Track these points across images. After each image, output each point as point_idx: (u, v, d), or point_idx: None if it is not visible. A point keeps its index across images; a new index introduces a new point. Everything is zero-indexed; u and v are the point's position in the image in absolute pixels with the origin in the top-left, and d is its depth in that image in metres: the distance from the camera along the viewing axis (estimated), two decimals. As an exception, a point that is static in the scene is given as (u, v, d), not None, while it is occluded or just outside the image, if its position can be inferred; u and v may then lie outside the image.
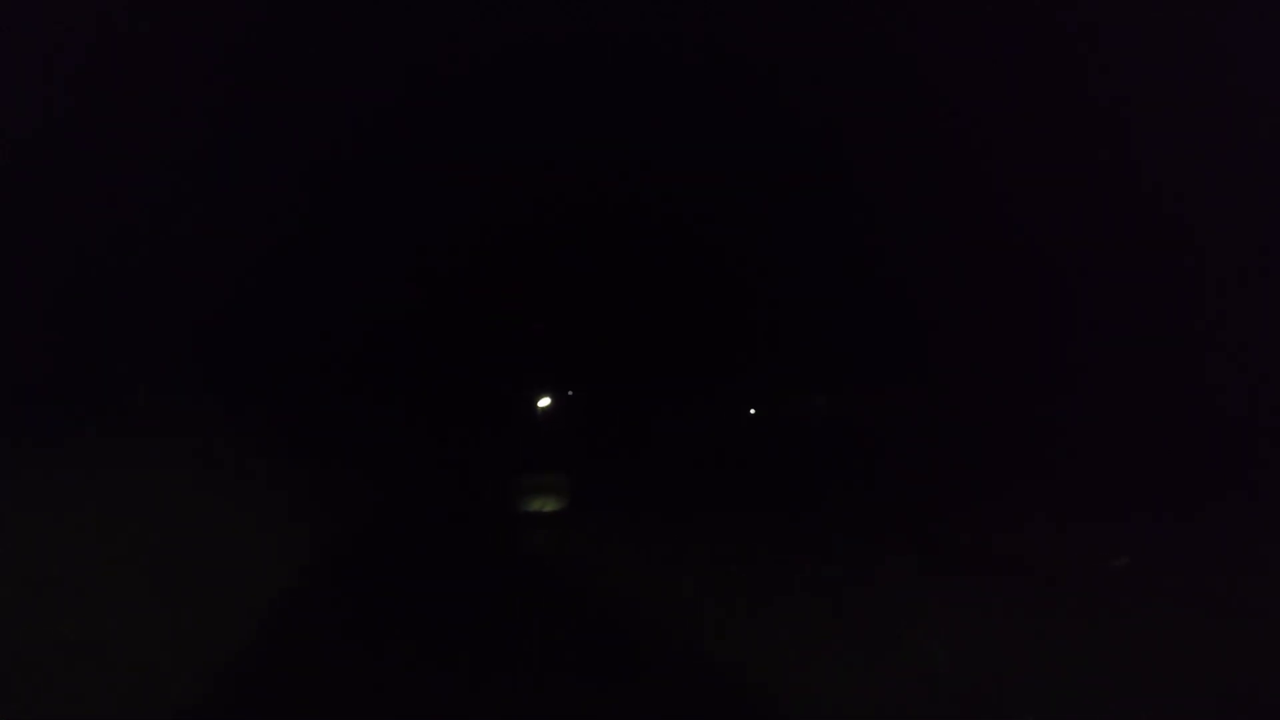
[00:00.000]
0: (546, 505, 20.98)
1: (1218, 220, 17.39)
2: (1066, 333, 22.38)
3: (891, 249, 27.30)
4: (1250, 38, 14.33)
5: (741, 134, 28.59)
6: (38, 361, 11.08)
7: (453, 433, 33.21)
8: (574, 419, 40.28)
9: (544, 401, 42.30)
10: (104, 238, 13.41)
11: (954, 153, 23.72)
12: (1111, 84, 18.40)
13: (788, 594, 10.31)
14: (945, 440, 22.63)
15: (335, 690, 7.33)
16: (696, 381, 36.50)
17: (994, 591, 9.87)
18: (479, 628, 9.57)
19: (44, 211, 12.09)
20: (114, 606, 7.96)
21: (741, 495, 19.93)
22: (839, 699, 6.92)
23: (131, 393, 12.78)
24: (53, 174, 12.03)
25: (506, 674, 7.82)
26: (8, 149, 11.09)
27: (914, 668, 7.30)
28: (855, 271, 28.81)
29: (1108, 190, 20.10)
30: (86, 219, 13.05)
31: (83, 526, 8.83)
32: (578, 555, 15.04)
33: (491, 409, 37.63)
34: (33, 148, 11.43)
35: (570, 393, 42.32)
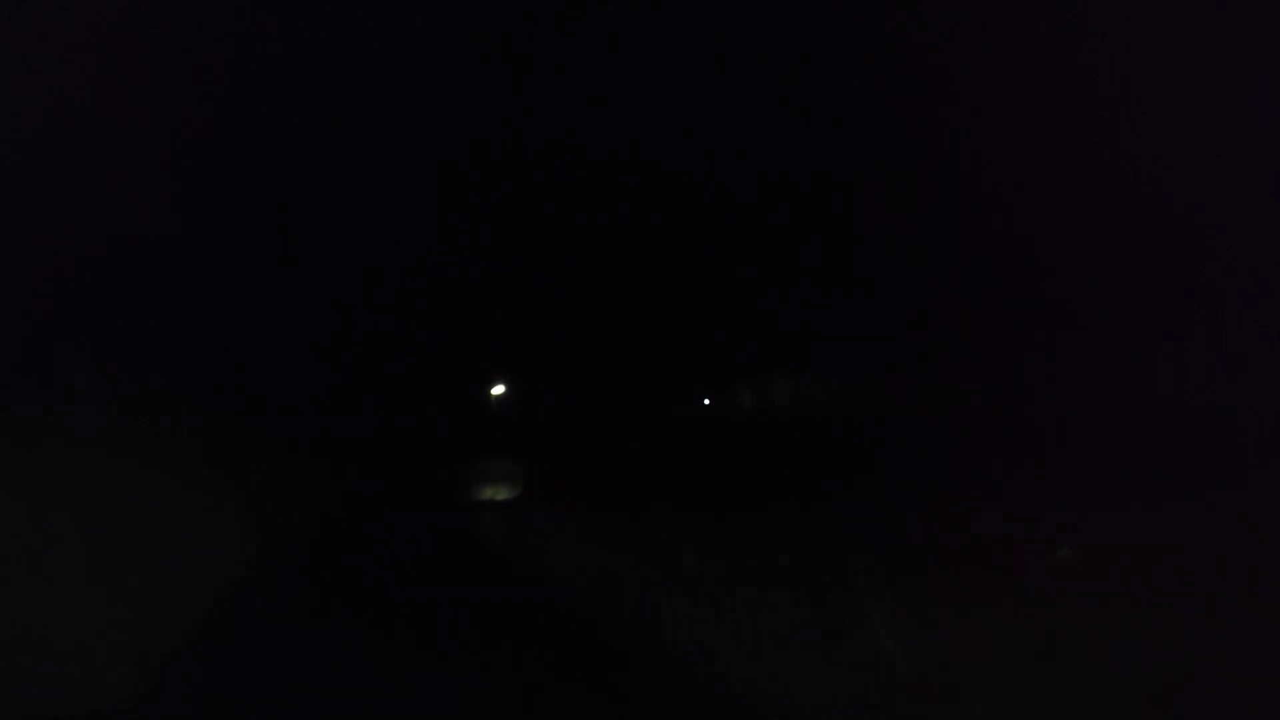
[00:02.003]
0: (499, 493, 20.87)
1: (1188, 222, 17.76)
2: (1022, 328, 22.76)
3: (857, 238, 27.46)
4: (1250, 37, 14.53)
5: (704, 118, 28.54)
6: None
7: (406, 420, 32.84)
8: (528, 406, 40.07)
9: (498, 389, 42.02)
10: (71, 229, 13.07)
11: (934, 134, 23.81)
12: (1107, 73, 18.56)
13: (743, 584, 10.39)
14: (901, 432, 22.94)
15: (288, 677, 7.23)
16: (655, 369, 36.53)
17: (947, 582, 10.05)
18: (432, 616, 9.49)
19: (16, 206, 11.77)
20: (62, 596, 7.76)
21: (699, 485, 20.01)
22: (794, 688, 6.98)
23: (84, 379, 12.49)
24: (32, 171, 11.72)
25: (460, 663, 7.76)
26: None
27: (868, 658, 7.40)
28: (817, 261, 28.98)
29: (1084, 185, 20.35)
30: (56, 211, 12.72)
31: (36, 514, 8.59)
32: (533, 545, 14.98)
33: (445, 396, 37.28)
34: (20, 144, 11.10)
35: (524, 380, 42.07)
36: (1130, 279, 19.85)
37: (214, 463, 15.26)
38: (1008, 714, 6.29)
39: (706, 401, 40.07)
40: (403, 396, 34.43)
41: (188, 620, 8.68)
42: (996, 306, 23.63)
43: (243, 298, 22.55)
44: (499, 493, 20.87)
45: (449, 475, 22.47)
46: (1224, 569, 9.63)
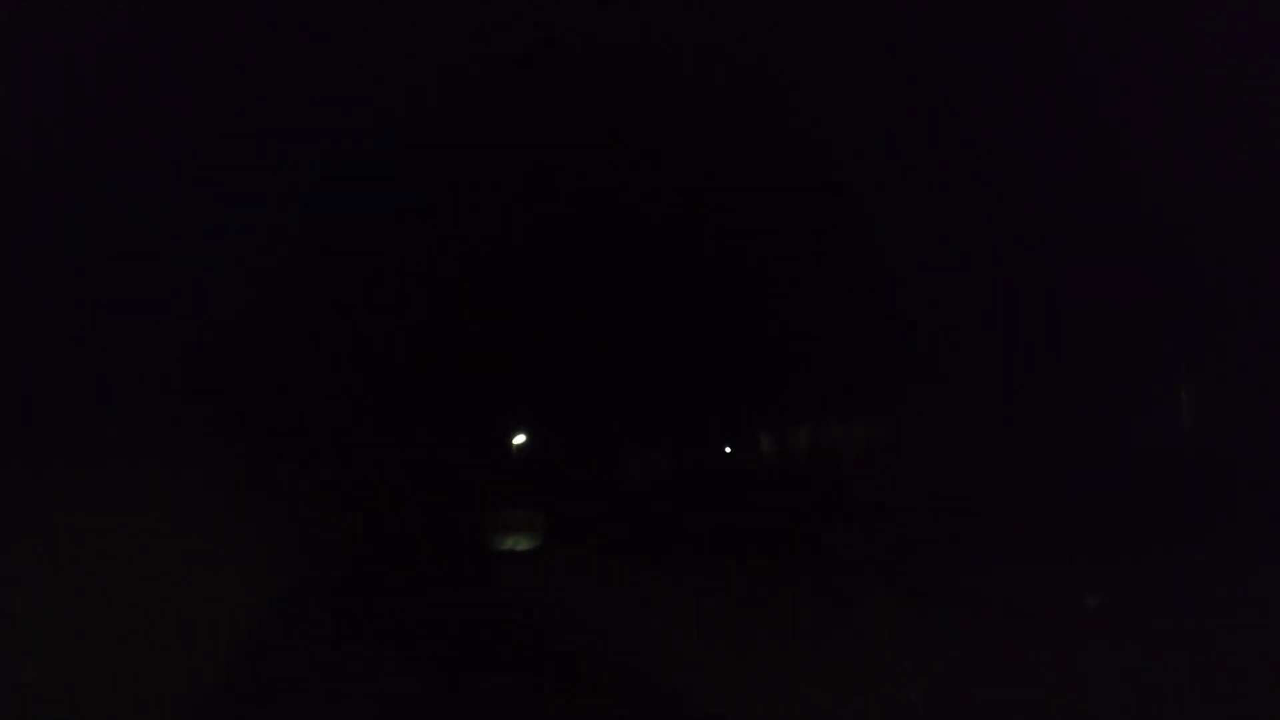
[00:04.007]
0: (521, 543, 20.77)
1: (1208, 268, 17.70)
2: (1044, 376, 22.63)
3: (872, 292, 27.54)
4: (1250, 46, 14.51)
5: (733, 165, 28.83)
6: (5, 390, 10.92)
7: (428, 470, 32.92)
8: (550, 456, 40.04)
9: (519, 439, 42.04)
10: (83, 264, 13.32)
11: (936, 181, 23.97)
12: (1117, 113, 18.64)
13: (764, 630, 10.26)
14: (923, 478, 22.72)
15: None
16: (677, 418, 36.48)
17: (970, 629, 9.88)
18: (454, 666, 9.44)
19: (24, 228, 12.02)
20: (79, 645, 7.79)
21: (718, 533, 19.85)
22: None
23: (104, 423, 12.63)
24: (41, 188, 11.99)
25: (483, 709, 7.72)
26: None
27: (892, 707, 7.28)
28: (837, 314, 29.02)
29: (1096, 227, 20.38)
30: (67, 239, 12.97)
31: (49, 561, 8.66)
32: (553, 594, 14.90)
33: (467, 446, 37.35)
34: (23, 160, 11.38)
35: (546, 430, 42.09)
36: (1161, 331, 19.77)
37: (234, 510, 15.34)
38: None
39: (728, 450, 39.91)
40: (425, 445, 34.55)
41: (208, 670, 8.69)
42: (1023, 355, 23.54)
43: (267, 346, 22.83)
44: (520, 542, 20.78)
45: (471, 525, 22.41)
46: (1250, 615, 9.42)
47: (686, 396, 35.92)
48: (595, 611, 12.60)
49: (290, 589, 13.79)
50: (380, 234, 29.16)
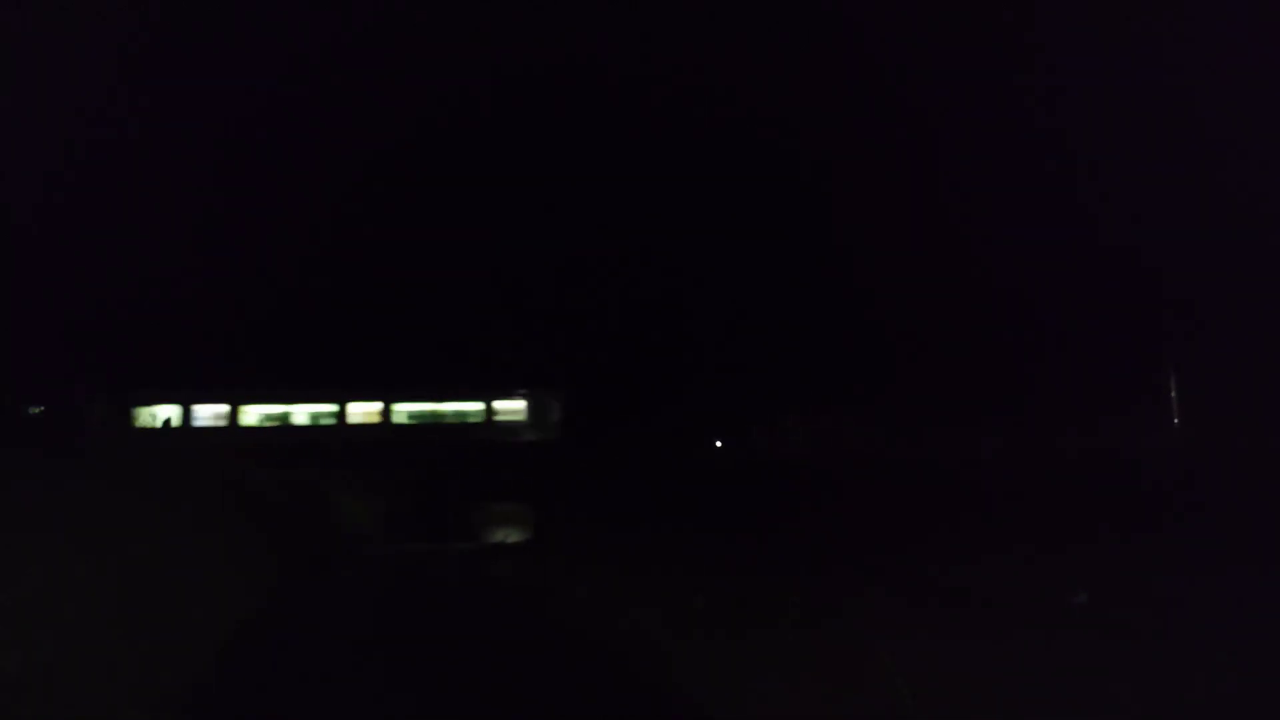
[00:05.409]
0: (511, 536, 20.78)
1: (1183, 271, 17.92)
2: (1032, 377, 22.80)
3: (865, 293, 27.65)
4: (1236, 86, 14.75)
5: (708, 156, 28.91)
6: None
7: (419, 463, 32.80)
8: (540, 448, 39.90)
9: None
10: (82, 262, 13.30)
11: (924, 184, 24.15)
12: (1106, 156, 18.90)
13: (755, 628, 10.29)
14: (912, 477, 22.79)
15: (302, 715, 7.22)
16: (667, 414, 36.48)
17: (960, 625, 9.95)
18: (446, 656, 9.44)
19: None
20: (72, 638, 7.77)
21: (709, 526, 19.89)
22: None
23: (95, 419, 12.60)
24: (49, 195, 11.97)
25: (472, 703, 7.73)
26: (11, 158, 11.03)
27: (884, 704, 7.32)
28: (828, 307, 29.11)
29: (1071, 234, 20.60)
30: (64, 255, 12.95)
31: (40, 553, 8.63)
32: (544, 586, 14.90)
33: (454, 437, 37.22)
34: (36, 158, 11.35)
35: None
36: (1144, 334, 19.98)
37: (223, 503, 15.28)
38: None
39: (719, 444, 39.83)
40: (418, 439, 34.43)
41: (197, 661, 8.66)
42: (1012, 356, 23.71)
43: (261, 342, 22.80)
44: (511, 535, 20.79)
45: (462, 518, 22.38)
46: (1236, 610, 9.51)
47: (677, 392, 35.93)
48: (585, 607, 12.60)
49: (276, 584, 13.74)
50: (377, 228, 29.17)
